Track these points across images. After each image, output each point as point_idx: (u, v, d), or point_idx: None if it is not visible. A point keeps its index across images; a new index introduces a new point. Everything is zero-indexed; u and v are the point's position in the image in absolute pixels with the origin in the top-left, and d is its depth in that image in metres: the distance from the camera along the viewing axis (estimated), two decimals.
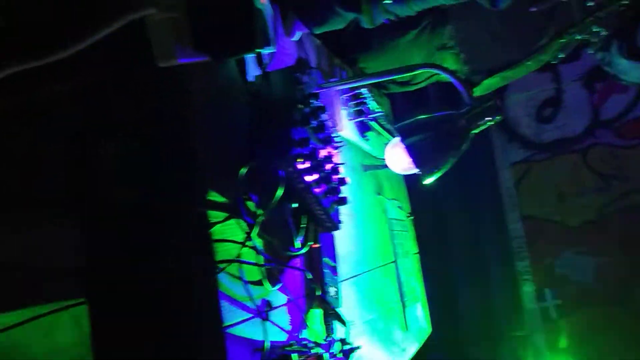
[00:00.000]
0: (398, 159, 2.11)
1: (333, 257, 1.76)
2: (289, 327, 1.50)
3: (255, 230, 1.35)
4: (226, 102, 1.41)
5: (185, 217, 1.25)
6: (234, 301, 1.28)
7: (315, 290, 1.63)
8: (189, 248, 1.24)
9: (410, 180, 3.03)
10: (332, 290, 1.70)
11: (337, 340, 1.63)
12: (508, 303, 4.40)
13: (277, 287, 1.46)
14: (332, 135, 1.64)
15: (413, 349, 2.57)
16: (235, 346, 1.23)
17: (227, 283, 1.27)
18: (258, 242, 1.39)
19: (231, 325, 1.24)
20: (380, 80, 2.04)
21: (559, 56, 2.22)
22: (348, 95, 2.21)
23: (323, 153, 1.57)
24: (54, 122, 1.33)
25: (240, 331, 1.27)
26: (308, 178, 1.47)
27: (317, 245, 1.67)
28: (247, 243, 1.34)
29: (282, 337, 1.45)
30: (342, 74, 2.26)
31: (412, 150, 1.89)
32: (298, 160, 1.42)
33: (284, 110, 1.45)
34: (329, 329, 1.67)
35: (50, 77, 1.23)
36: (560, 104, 4.51)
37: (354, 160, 2.28)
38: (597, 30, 2.10)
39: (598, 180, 4.40)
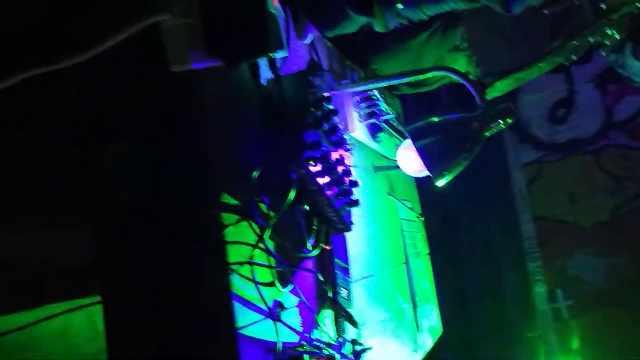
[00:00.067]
0: (410, 161, 2.11)
1: (345, 259, 1.76)
2: (300, 328, 1.51)
3: (268, 232, 1.36)
4: (239, 105, 1.42)
5: (197, 218, 1.26)
6: (246, 302, 1.29)
7: (326, 292, 1.64)
8: (202, 249, 1.26)
9: (421, 181, 3.03)
10: (343, 292, 1.71)
11: (349, 341, 1.64)
12: (520, 304, 4.39)
13: (289, 288, 1.47)
14: (344, 137, 1.65)
15: (424, 349, 2.57)
16: (248, 347, 1.24)
17: (239, 284, 1.28)
18: (270, 244, 1.40)
19: (244, 326, 1.25)
20: (392, 83, 2.04)
21: (572, 58, 2.21)
22: (360, 97, 2.22)
23: (335, 155, 1.58)
24: (59, 127, 1.35)
25: (253, 332, 1.28)
26: (320, 180, 1.48)
27: (328, 248, 1.68)
28: (259, 245, 1.35)
29: (294, 338, 1.46)
30: (354, 75, 2.26)
31: (424, 152, 1.89)
32: (310, 163, 1.43)
33: (296, 113, 1.46)
34: (341, 330, 1.67)
35: (56, 82, 1.24)
36: (573, 105, 4.49)
37: (365, 161, 2.29)
38: (610, 32, 2.09)
39: (610, 181, 4.38)
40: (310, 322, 1.56)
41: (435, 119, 1.92)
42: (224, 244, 1.26)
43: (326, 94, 1.59)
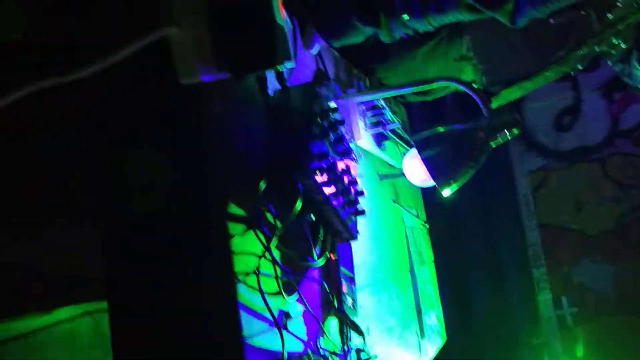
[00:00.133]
0: (416, 170, 2.12)
1: (350, 267, 1.77)
2: (306, 337, 1.51)
3: (274, 242, 1.37)
4: (246, 115, 1.44)
5: (204, 228, 1.27)
6: (252, 312, 1.30)
7: (332, 301, 1.65)
8: (208, 258, 1.27)
9: (427, 188, 3.03)
10: (349, 300, 1.71)
11: (354, 350, 1.65)
12: (524, 311, 4.39)
13: (295, 297, 1.48)
14: (350, 147, 1.66)
15: (429, 356, 2.58)
16: (254, 356, 1.25)
17: (245, 294, 1.29)
18: (276, 254, 1.41)
19: (251, 336, 1.26)
20: (398, 93, 2.05)
21: (578, 67, 2.21)
22: (366, 106, 2.22)
23: (341, 165, 1.59)
24: (58, 135, 1.36)
25: (259, 341, 1.29)
26: (326, 190, 1.49)
27: (334, 258, 1.69)
28: (266, 255, 1.36)
29: (300, 347, 1.47)
30: (360, 84, 2.27)
31: (429, 162, 1.90)
32: (316, 173, 1.44)
33: (303, 123, 1.47)
34: (346, 339, 1.68)
35: (60, 92, 1.25)
36: (579, 112, 4.49)
37: (370, 169, 2.29)
38: (617, 42, 2.09)
39: (616, 189, 4.37)
40: (315, 331, 1.57)
41: (441, 129, 1.93)
42: (231, 254, 1.27)
43: (333, 104, 1.60)
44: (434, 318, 2.85)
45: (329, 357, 1.51)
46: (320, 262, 1.59)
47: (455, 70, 2.39)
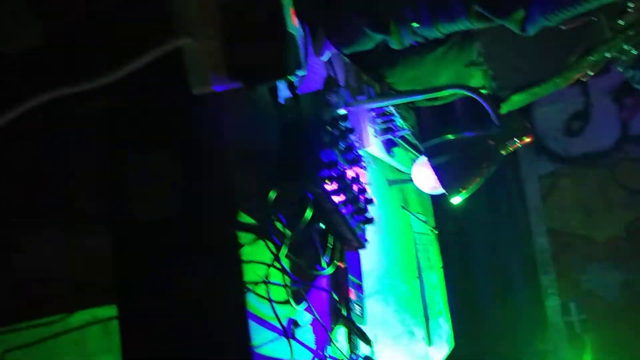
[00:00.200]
0: (425, 178, 2.12)
1: (358, 275, 1.77)
2: (314, 346, 1.52)
3: (283, 251, 1.37)
4: (257, 124, 1.44)
5: (213, 237, 1.27)
6: (261, 321, 1.30)
7: (340, 310, 1.65)
8: (219, 267, 1.27)
9: (435, 195, 3.03)
10: (357, 308, 1.71)
11: (362, 358, 1.65)
12: (532, 317, 4.37)
13: (303, 306, 1.48)
14: (360, 155, 1.66)
15: None
16: None
17: (254, 303, 1.29)
18: (285, 263, 1.41)
19: (259, 345, 1.26)
20: (408, 100, 2.05)
21: (588, 74, 2.20)
22: (375, 112, 2.22)
23: (350, 174, 1.59)
24: (58, 136, 1.37)
25: (268, 350, 1.29)
26: (336, 199, 1.49)
27: (343, 266, 1.69)
28: (275, 264, 1.36)
29: (308, 355, 1.47)
30: (370, 91, 2.27)
31: (439, 170, 1.89)
32: (326, 181, 1.44)
33: (312, 132, 1.47)
34: (354, 347, 1.68)
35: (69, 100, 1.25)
36: (588, 117, 4.47)
37: (379, 175, 2.29)
38: (627, 48, 2.08)
39: (626, 195, 4.35)
40: (323, 340, 1.57)
41: (451, 137, 1.92)
42: (241, 263, 1.27)
43: (343, 112, 1.60)
44: (442, 324, 2.84)
45: None
46: (330, 270, 1.59)
47: (466, 75, 2.39)
